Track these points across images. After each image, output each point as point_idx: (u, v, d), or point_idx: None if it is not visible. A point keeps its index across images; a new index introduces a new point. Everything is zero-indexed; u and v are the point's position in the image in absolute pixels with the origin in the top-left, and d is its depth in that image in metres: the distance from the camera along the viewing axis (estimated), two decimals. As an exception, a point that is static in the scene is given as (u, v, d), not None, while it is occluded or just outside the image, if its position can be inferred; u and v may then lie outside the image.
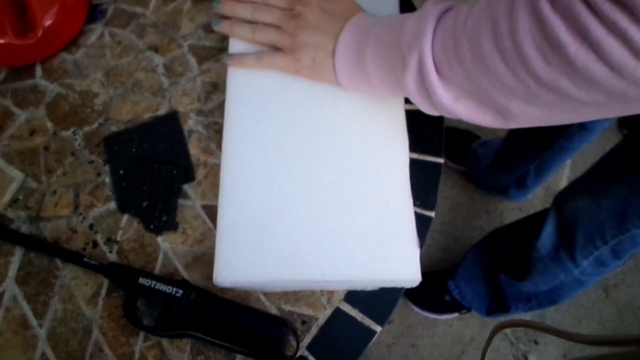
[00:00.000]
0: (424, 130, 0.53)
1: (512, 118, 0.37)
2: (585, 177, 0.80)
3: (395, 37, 0.42)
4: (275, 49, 0.52)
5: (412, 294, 1.23)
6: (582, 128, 0.94)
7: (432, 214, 0.50)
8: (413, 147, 0.51)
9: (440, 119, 0.54)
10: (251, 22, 0.53)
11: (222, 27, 0.54)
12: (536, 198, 1.34)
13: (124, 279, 0.46)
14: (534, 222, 0.92)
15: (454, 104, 0.40)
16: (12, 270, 0.49)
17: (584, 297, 1.25)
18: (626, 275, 1.27)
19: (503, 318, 1.18)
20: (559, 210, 0.82)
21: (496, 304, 1.09)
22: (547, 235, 0.84)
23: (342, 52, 0.48)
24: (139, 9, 0.60)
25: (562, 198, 0.83)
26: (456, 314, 1.22)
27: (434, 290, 1.21)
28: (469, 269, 1.12)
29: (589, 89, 0.30)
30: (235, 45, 0.54)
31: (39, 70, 0.57)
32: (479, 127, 1.43)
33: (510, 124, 0.39)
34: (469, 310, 1.20)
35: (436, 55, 0.39)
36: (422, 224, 0.49)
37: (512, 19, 0.32)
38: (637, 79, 0.28)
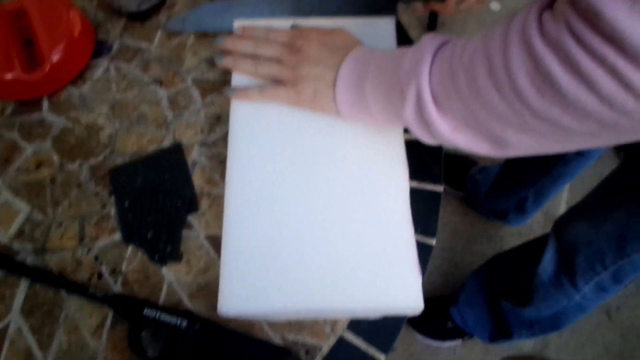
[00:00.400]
0: (423, 159, 0.54)
1: (509, 147, 0.38)
2: (584, 203, 0.81)
3: (394, 69, 0.44)
4: (277, 82, 0.53)
5: (414, 321, 1.23)
6: (579, 155, 0.95)
7: (433, 241, 0.50)
8: (413, 176, 0.52)
9: (439, 148, 0.55)
10: (253, 57, 0.55)
11: (225, 62, 0.55)
12: (536, 223, 1.35)
13: (129, 310, 0.46)
14: (534, 247, 0.93)
15: (452, 134, 0.41)
16: (18, 302, 0.49)
17: (587, 322, 1.25)
18: (628, 299, 1.27)
19: (506, 344, 1.18)
20: (559, 235, 0.83)
21: (499, 330, 1.08)
22: (548, 261, 0.85)
23: (343, 83, 0.49)
24: (144, 44, 0.62)
25: (562, 223, 0.84)
26: (459, 341, 1.21)
27: (436, 317, 1.20)
28: (471, 295, 1.12)
29: (581, 119, 0.31)
30: (238, 79, 0.56)
31: (46, 103, 0.59)
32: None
33: (507, 153, 0.40)
34: (471, 336, 1.19)
35: (433, 87, 0.40)
36: (424, 252, 0.49)
37: (505, 53, 0.33)
38: (627, 110, 0.29)
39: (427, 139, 0.44)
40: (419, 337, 1.22)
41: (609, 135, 0.33)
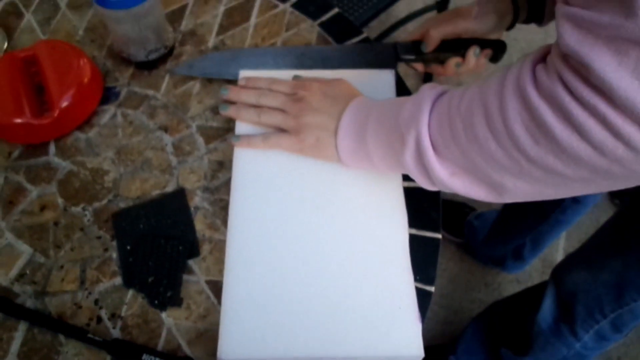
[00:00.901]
0: (421, 205, 0.55)
1: (506, 193, 0.40)
2: (581, 251, 0.81)
3: (394, 118, 0.45)
4: (280, 130, 0.55)
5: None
6: (575, 201, 0.97)
7: (432, 288, 0.51)
8: (411, 223, 0.52)
9: (437, 195, 0.56)
10: (256, 106, 0.57)
11: (229, 112, 0.57)
12: (534, 270, 1.35)
13: (127, 355, 0.46)
14: (533, 295, 0.93)
15: (450, 179, 0.42)
16: (15, 346, 0.49)
17: (588, 373, 1.23)
18: (629, 348, 1.25)
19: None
20: (557, 283, 0.83)
21: (499, 380, 1.07)
22: (547, 309, 0.85)
23: (344, 131, 0.51)
24: (150, 92, 0.64)
25: (560, 271, 0.84)
26: (458, 390, 1.19)
27: (435, 366, 1.18)
28: (470, 344, 1.10)
29: (575, 166, 0.33)
30: (241, 127, 0.57)
31: (52, 148, 0.60)
32: (475, 200, 1.46)
33: (504, 199, 0.41)
34: (471, 386, 1.17)
35: (432, 134, 0.42)
36: (423, 299, 0.49)
37: (502, 103, 0.35)
38: (618, 158, 0.30)
39: (427, 184, 0.46)
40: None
41: (603, 182, 0.34)
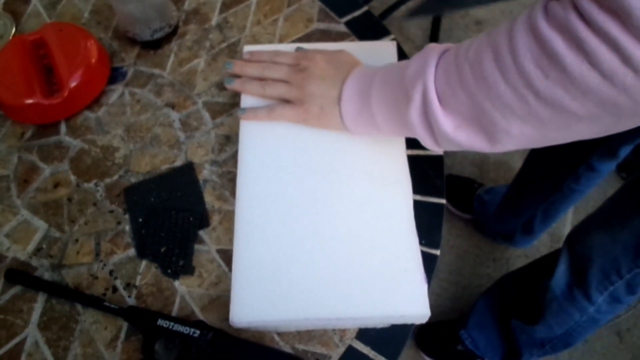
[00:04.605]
0: (426, 173, 0.56)
1: (510, 140, 0.40)
2: (600, 213, 0.81)
3: (399, 76, 0.46)
4: (284, 101, 0.56)
5: (424, 345, 1.22)
6: (590, 169, 0.96)
7: (437, 252, 0.52)
8: (416, 190, 0.53)
9: (441, 163, 0.57)
10: (260, 79, 0.58)
11: (235, 85, 0.58)
12: (542, 245, 1.35)
13: (143, 321, 0.47)
14: (545, 263, 0.93)
15: (454, 132, 0.43)
16: (35, 316, 0.50)
17: (598, 343, 1.24)
18: (638, 319, 1.26)
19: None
20: (572, 248, 0.84)
21: (510, 352, 1.08)
22: (561, 274, 0.85)
23: (347, 97, 0.51)
24: (156, 71, 0.65)
25: (575, 236, 0.84)
26: (469, 364, 1.21)
27: (446, 340, 1.19)
28: (481, 317, 1.11)
29: (582, 98, 0.33)
30: (247, 100, 0.58)
31: (63, 127, 0.62)
32: (483, 175, 1.46)
33: (506, 147, 0.41)
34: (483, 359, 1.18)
35: (439, 85, 0.42)
36: (429, 262, 0.50)
37: (511, 41, 0.36)
38: (626, 86, 0.31)
39: (430, 142, 0.46)
40: (429, 361, 1.22)
41: (609, 119, 0.34)
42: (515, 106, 0.37)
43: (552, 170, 1.03)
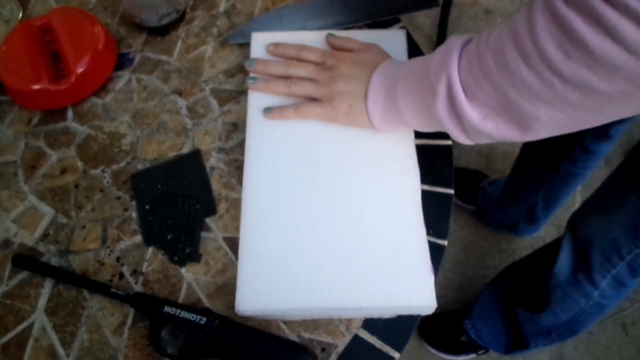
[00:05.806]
0: (434, 163, 0.56)
1: (541, 126, 0.39)
2: (597, 195, 0.81)
3: (423, 71, 0.46)
4: (310, 99, 0.56)
5: (428, 335, 1.22)
6: (586, 152, 0.96)
7: (444, 242, 0.52)
8: (424, 180, 0.53)
9: (449, 153, 0.56)
10: (284, 78, 0.57)
11: (258, 86, 0.57)
12: (547, 236, 1.34)
13: (150, 307, 0.48)
14: (549, 251, 0.93)
15: (482, 123, 0.42)
16: (42, 302, 0.51)
17: (603, 336, 1.24)
18: (644, 313, 1.26)
19: (522, 355, 1.16)
20: (573, 232, 0.83)
21: (515, 341, 1.08)
22: (564, 260, 0.85)
23: (374, 95, 0.51)
24: (164, 57, 0.65)
25: (575, 219, 0.84)
26: (473, 355, 1.21)
27: (450, 331, 1.20)
28: (485, 307, 1.11)
29: (610, 77, 0.32)
30: (254, 95, 0.57)
31: (70, 113, 0.61)
32: (488, 167, 1.46)
33: (539, 134, 0.40)
34: (486, 350, 1.19)
35: (463, 77, 0.42)
36: (436, 252, 0.50)
37: (530, 24, 0.35)
38: None
39: (460, 135, 0.45)
40: (433, 352, 1.22)
41: (639, 97, 0.33)
42: (540, 91, 0.36)
43: (547, 153, 1.03)
